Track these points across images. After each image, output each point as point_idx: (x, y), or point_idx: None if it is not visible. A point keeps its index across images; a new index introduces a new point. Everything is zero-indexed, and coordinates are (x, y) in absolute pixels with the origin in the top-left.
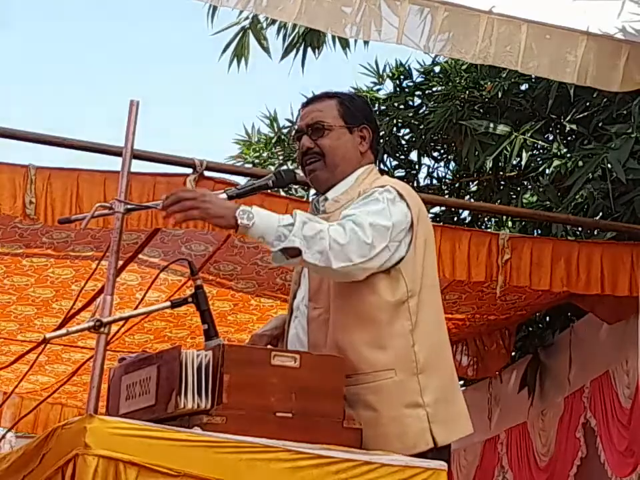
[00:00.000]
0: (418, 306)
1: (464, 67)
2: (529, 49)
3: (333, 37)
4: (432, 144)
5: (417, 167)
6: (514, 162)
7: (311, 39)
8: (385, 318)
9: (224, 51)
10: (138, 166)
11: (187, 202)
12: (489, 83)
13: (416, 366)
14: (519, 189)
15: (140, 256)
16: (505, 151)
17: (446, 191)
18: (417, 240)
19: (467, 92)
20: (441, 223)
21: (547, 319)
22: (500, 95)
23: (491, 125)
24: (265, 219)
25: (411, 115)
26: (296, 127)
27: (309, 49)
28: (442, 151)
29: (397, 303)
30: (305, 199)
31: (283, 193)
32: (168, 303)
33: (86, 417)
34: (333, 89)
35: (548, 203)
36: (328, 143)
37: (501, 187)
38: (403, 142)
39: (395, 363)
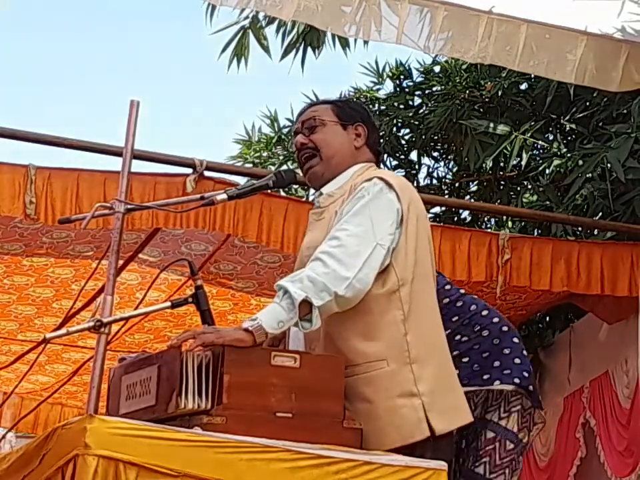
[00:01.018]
0: (411, 295)
1: (464, 67)
2: (528, 48)
3: (333, 37)
4: (432, 144)
5: (416, 166)
6: (514, 162)
7: (310, 39)
8: (376, 308)
9: (223, 50)
10: (138, 166)
11: (198, 331)
12: (489, 83)
13: (408, 355)
14: (518, 188)
15: (140, 255)
16: (505, 150)
17: (446, 191)
18: (407, 229)
19: (467, 91)
20: (441, 223)
21: (547, 318)
22: (500, 95)
23: (491, 125)
24: (266, 309)
25: (410, 114)
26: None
27: (309, 49)
28: (442, 151)
29: (388, 293)
30: (304, 199)
31: (283, 193)
32: (168, 303)
33: (86, 417)
34: (333, 88)
35: (548, 202)
36: (321, 137)
37: (501, 187)
38: (403, 142)
39: (387, 353)
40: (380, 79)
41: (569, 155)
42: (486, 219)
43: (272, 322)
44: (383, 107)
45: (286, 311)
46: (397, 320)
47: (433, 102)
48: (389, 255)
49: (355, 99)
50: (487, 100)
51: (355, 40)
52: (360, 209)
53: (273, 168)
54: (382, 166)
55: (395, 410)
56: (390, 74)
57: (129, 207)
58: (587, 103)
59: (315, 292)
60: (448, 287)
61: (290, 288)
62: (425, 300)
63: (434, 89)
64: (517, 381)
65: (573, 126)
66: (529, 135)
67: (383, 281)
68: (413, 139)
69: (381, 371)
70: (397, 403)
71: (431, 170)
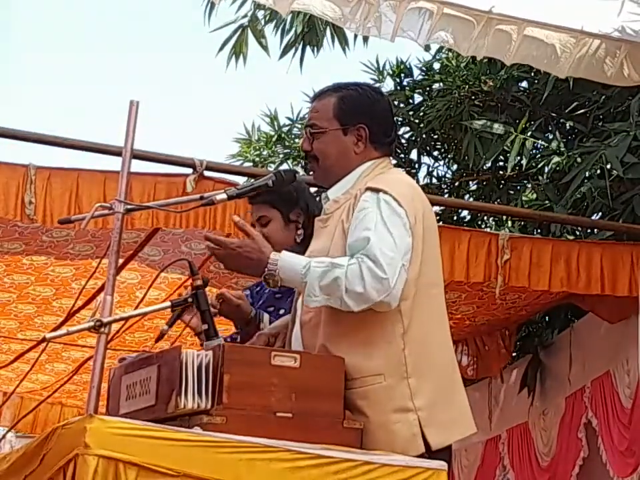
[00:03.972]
0: (412, 308)
1: (463, 64)
2: (524, 45)
3: (332, 37)
4: (432, 142)
5: (416, 165)
6: (514, 161)
7: (309, 38)
8: (374, 322)
9: (221, 48)
10: (138, 166)
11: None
12: (489, 80)
13: (406, 370)
14: (518, 187)
15: (140, 254)
16: (505, 148)
17: (445, 190)
18: (413, 241)
19: (467, 86)
20: (441, 222)
21: (547, 318)
22: (500, 91)
23: (489, 124)
24: (291, 268)
25: (411, 113)
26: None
27: (308, 48)
28: (442, 150)
29: None
30: None
31: None
32: (168, 303)
33: (86, 417)
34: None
35: (547, 201)
36: (321, 148)
37: (501, 186)
38: (403, 140)
39: (383, 368)
40: (380, 77)
41: (568, 153)
42: (485, 217)
43: (288, 281)
44: None
45: (298, 284)
46: (395, 334)
47: (433, 99)
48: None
49: (361, 90)
50: (486, 97)
51: (355, 38)
52: (387, 232)
53: (272, 166)
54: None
55: (387, 426)
56: (390, 72)
57: (128, 207)
58: (587, 102)
59: (329, 297)
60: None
61: (314, 284)
62: (428, 311)
63: (434, 86)
64: None
65: (572, 123)
66: (528, 133)
67: None
68: (413, 138)
69: (376, 386)
70: (390, 418)
71: (430, 169)
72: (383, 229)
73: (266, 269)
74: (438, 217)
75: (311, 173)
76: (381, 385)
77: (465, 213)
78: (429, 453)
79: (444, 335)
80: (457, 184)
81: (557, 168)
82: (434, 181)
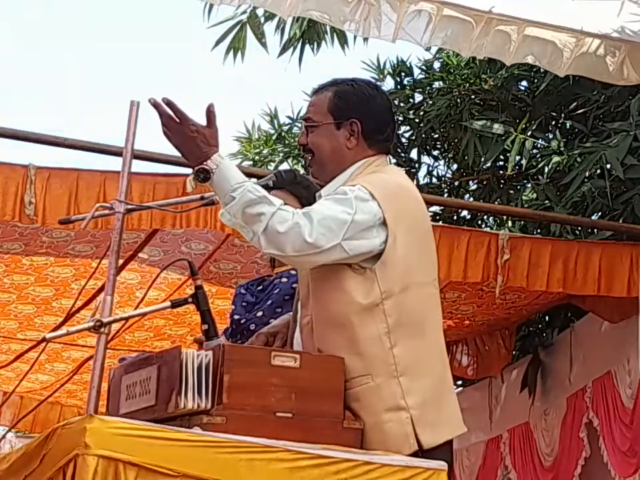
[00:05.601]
0: (398, 306)
1: (464, 62)
2: (523, 45)
3: (332, 35)
4: (432, 142)
5: (416, 165)
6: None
7: (309, 37)
8: (357, 321)
9: (217, 43)
10: (138, 166)
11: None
12: (489, 79)
13: (395, 368)
14: (518, 187)
15: (140, 255)
16: (505, 148)
17: (445, 190)
18: (396, 239)
19: (467, 85)
20: (440, 222)
21: (547, 318)
22: (500, 91)
23: (489, 124)
24: (223, 177)
25: (411, 112)
26: None
27: (307, 47)
28: (442, 150)
29: (369, 306)
30: None
31: None
32: (168, 303)
33: (86, 417)
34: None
35: (547, 202)
36: (315, 141)
37: (501, 185)
38: (403, 140)
39: (370, 368)
40: (380, 75)
41: (568, 153)
42: (485, 217)
43: (217, 186)
44: None
45: (223, 195)
46: (379, 333)
47: (433, 98)
48: (352, 258)
49: (357, 85)
50: (487, 96)
51: (355, 38)
52: (342, 208)
53: (272, 165)
54: (389, 157)
55: (380, 425)
56: (390, 70)
57: (129, 207)
58: (586, 101)
59: (246, 225)
60: None
61: (239, 205)
62: (418, 310)
63: (434, 85)
64: None
65: (572, 123)
66: (528, 133)
67: (365, 293)
68: (413, 137)
69: (365, 386)
70: (382, 418)
71: (430, 169)
72: (340, 208)
73: (204, 163)
74: (438, 217)
75: (309, 166)
76: (368, 385)
77: (464, 212)
78: (421, 452)
79: (436, 335)
80: (456, 184)
81: (557, 168)
82: (434, 180)
